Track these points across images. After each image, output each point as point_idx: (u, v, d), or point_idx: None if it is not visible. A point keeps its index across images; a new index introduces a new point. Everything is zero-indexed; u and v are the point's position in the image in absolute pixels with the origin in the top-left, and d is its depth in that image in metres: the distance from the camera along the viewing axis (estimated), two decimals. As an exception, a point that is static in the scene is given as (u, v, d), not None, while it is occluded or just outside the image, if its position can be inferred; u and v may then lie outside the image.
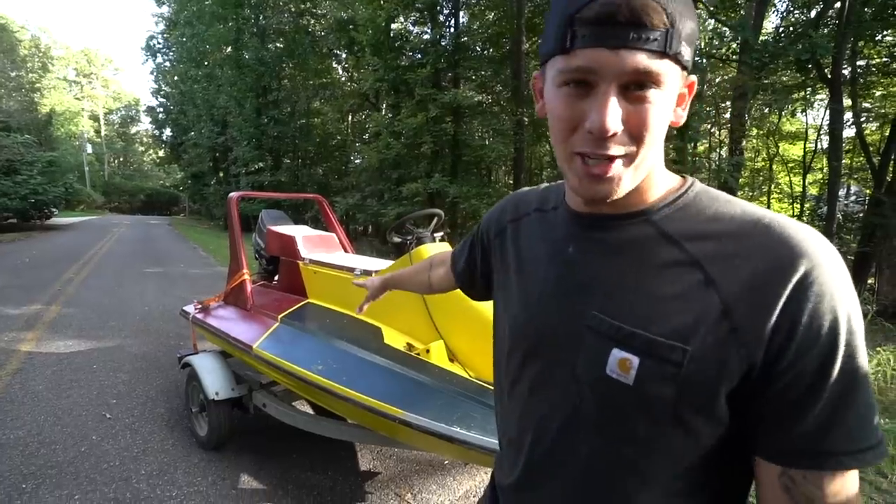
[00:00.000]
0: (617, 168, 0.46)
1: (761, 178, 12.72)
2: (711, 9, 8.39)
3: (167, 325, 4.80)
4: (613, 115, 0.43)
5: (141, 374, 3.50)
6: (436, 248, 1.95)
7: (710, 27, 9.53)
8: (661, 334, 0.45)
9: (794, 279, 0.42)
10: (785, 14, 9.07)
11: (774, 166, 11.87)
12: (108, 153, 49.62)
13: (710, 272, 0.45)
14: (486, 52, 12.18)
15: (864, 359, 0.43)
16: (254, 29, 17.56)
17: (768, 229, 0.45)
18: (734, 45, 8.18)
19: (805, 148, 10.99)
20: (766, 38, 8.16)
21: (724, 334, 0.43)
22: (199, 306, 2.86)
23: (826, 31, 6.84)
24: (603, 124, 0.43)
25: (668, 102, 0.46)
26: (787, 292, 0.42)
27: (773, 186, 12.39)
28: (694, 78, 0.50)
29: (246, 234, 3.23)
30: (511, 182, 12.79)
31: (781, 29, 8.42)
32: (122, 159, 54.01)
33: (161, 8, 27.82)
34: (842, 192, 9.09)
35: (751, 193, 13.50)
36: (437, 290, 0.99)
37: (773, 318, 0.42)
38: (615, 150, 0.45)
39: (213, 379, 2.37)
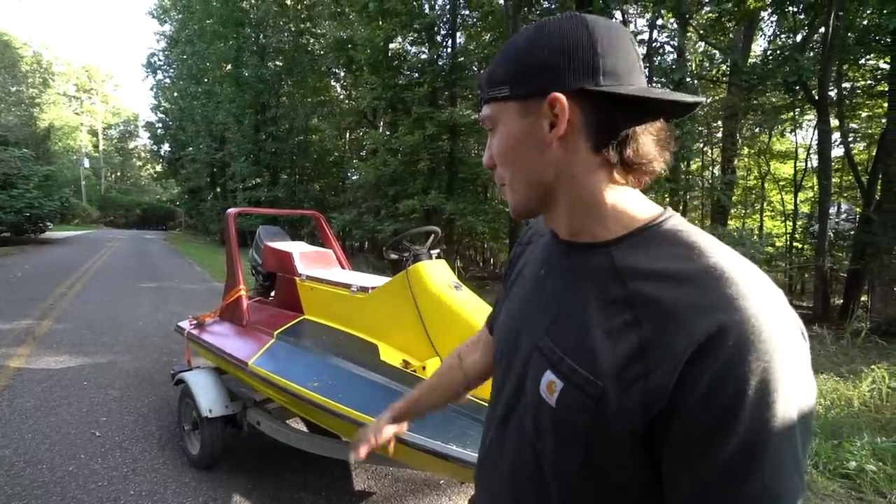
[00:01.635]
0: (508, 193, 0.58)
1: (754, 195, 12.91)
2: (701, 32, 8.64)
3: (161, 341, 4.75)
4: (485, 155, 0.59)
5: (133, 391, 3.46)
6: (432, 266, 1.97)
7: (701, 50, 9.80)
8: (582, 365, 0.46)
9: (708, 335, 0.39)
10: (772, 38, 9.36)
11: (766, 184, 12.06)
12: (106, 168, 49.70)
13: (639, 313, 0.44)
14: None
15: (777, 444, 0.38)
16: (254, 47, 17.86)
17: (710, 278, 0.42)
18: (724, 67, 8.41)
19: (796, 167, 11.20)
20: (754, 60, 8.39)
21: (635, 378, 0.42)
22: (195, 322, 2.84)
23: (812, 54, 7.06)
24: (483, 159, 0.60)
25: (506, 134, 0.53)
26: (694, 348, 0.39)
27: (765, 204, 12.57)
28: (554, 94, 0.48)
29: (243, 250, 3.23)
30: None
31: (769, 52, 8.67)
32: (119, 174, 54.08)
33: (163, 26, 28.36)
34: (833, 210, 9.23)
35: (744, 211, 13.67)
36: (479, 380, 0.84)
37: (678, 370, 0.40)
38: (499, 178, 0.58)
39: (207, 396, 2.35)
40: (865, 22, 7.11)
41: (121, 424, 2.92)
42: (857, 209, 8.62)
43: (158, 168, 40.44)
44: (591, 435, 0.46)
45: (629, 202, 0.51)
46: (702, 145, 11.99)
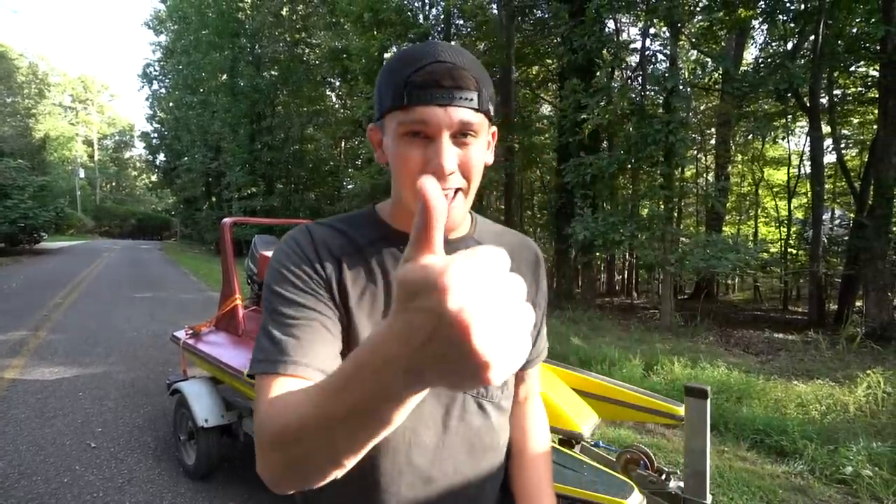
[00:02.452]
0: (458, 201, 0.57)
1: (748, 202, 13.01)
2: (693, 40, 8.78)
3: (156, 352, 4.72)
4: (450, 157, 0.53)
5: (128, 402, 3.43)
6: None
7: (693, 57, 9.94)
8: None
9: (540, 260, 0.75)
10: (763, 46, 9.51)
11: (760, 191, 12.17)
12: (101, 178, 49.60)
13: (513, 267, 0.54)
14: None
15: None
16: (249, 57, 17.98)
17: (519, 235, 0.76)
18: (716, 75, 8.53)
19: (789, 173, 11.31)
20: (746, 68, 8.51)
21: (532, 300, 0.68)
22: (190, 332, 2.84)
23: (803, 62, 7.17)
24: (441, 165, 0.52)
25: (483, 147, 0.58)
26: (540, 268, 0.74)
27: (759, 210, 12.67)
28: (495, 129, 0.63)
29: (238, 260, 3.24)
30: (503, 207, 12.95)
31: (761, 60, 8.80)
32: (114, 184, 53.97)
33: (159, 37, 28.50)
34: (826, 216, 9.32)
35: (738, 217, 13.78)
36: None
37: (540, 284, 0.74)
38: (452, 184, 0.55)
39: (203, 406, 2.34)
40: (854, 30, 7.24)
41: (116, 435, 2.90)
42: (851, 214, 8.71)
43: (154, 178, 40.42)
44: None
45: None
46: (695, 152, 12.11)
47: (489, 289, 0.25)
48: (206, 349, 2.54)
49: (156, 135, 32.05)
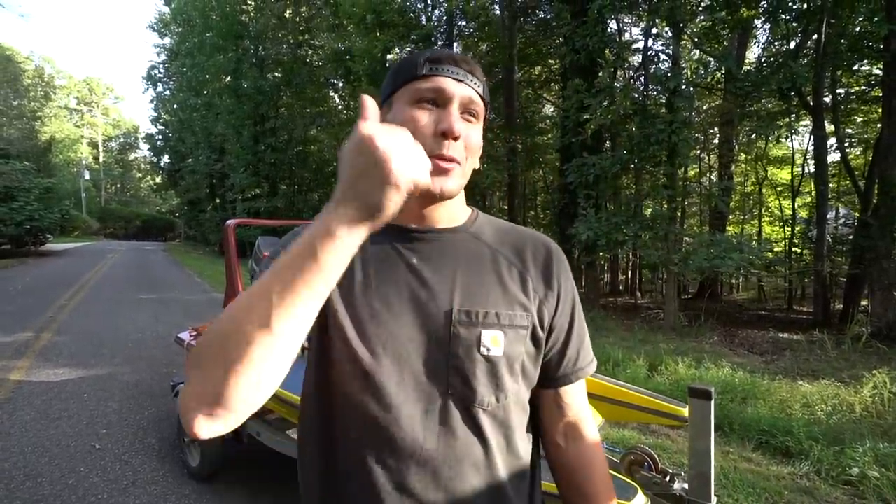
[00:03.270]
0: (456, 169, 0.59)
1: (751, 201, 12.95)
2: (696, 40, 8.75)
3: (160, 353, 4.74)
4: (459, 123, 0.58)
5: (132, 403, 3.45)
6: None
7: (696, 57, 9.91)
8: (512, 309, 0.62)
9: (554, 257, 0.67)
10: (766, 45, 9.46)
11: (764, 190, 12.10)
12: (106, 179, 49.89)
13: (517, 263, 0.65)
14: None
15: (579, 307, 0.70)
16: (253, 59, 18.03)
17: (531, 232, 0.70)
18: (719, 75, 8.50)
19: (793, 172, 11.25)
20: (748, 67, 8.48)
21: (541, 299, 0.64)
22: (195, 333, 2.85)
23: (806, 61, 7.13)
24: (453, 126, 0.57)
25: (481, 134, 0.63)
26: (555, 266, 0.67)
27: (763, 210, 12.60)
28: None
29: (242, 261, 3.25)
30: (506, 207, 12.94)
31: (763, 59, 8.76)
32: (119, 185, 54.26)
33: (163, 39, 28.65)
34: (831, 215, 9.26)
35: (742, 217, 13.71)
36: None
37: (555, 283, 0.66)
38: (455, 153, 0.58)
39: (207, 407, 2.35)
40: (858, 29, 7.20)
41: (121, 437, 2.92)
42: (855, 213, 8.65)
43: (158, 179, 40.61)
44: (526, 356, 0.63)
45: (464, 202, 0.69)
46: (699, 152, 12.06)
47: (388, 130, 0.43)
48: (210, 351, 2.55)
49: (160, 137, 32.21)
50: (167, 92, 29.80)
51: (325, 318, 0.58)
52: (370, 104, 0.45)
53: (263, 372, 0.42)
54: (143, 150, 48.28)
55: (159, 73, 29.80)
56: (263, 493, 2.34)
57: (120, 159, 53.80)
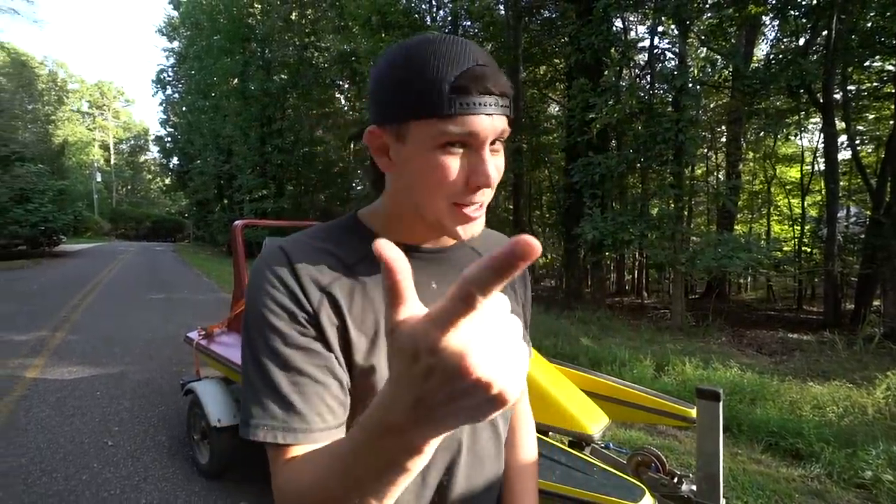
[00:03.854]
0: (482, 214, 0.54)
1: (760, 200, 12.81)
2: (703, 38, 8.68)
3: (170, 352, 4.80)
4: (493, 170, 0.50)
5: (143, 402, 3.50)
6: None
7: (703, 55, 9.82)
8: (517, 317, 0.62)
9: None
10: (775, 42, 9.35)
11: (772, 189, 11.97)
12: (117, 181, 50.56)
13: None
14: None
15: None
16: (260, 62, 18.19)
17: (500, 236, 0.72)
18: (726, 72, 8.42)
19: (802, 170, 11.11)
20: (757, 65, 8.39)
21: (522, 303, 0.70)
22: (203, 333, 2.88)
23: (815, 57, 7.05)
24: (489, 179, 0.49)
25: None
26: (526, 271, 0.59)
27: (771, 208, 12.46)
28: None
29: (250, 261, 3.28)
30: (511, 207, 12.92)
31: (772, 56, 8.66)
32: (129, 187, 54.95)
33: (172, 43, 28.98)
34: (842, 214, 9.13)
35: (750, 216, 13.57)
36: None
37: (527, 285, 0.72)
38: (486, 197, 0.53)
39: (216, 406, 2.38)
40: (869, 24, 7.10)
41: (132, 434, 2.97)
42: (867, 212, 8.53)
43: (167, 181, 41.02)
44: None
45: None
46: (706, 150, 11.96)
47: (477, 317, 0.25)
48: (219, 350, 2.59)
49: (169, 139, 32.57)
50: (176, 95, 30.16)
51: (351, 364, 0.52)
52: (396, 262, 0.27)
53: None
54: (153, 153, 48.92)
55: (168, 76, 30.17)
56: (271, 490, 2.36)
57: (130, 161, 54.48)
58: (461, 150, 0.49)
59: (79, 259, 16.56)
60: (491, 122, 0.48)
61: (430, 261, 0.60)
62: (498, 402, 0.25)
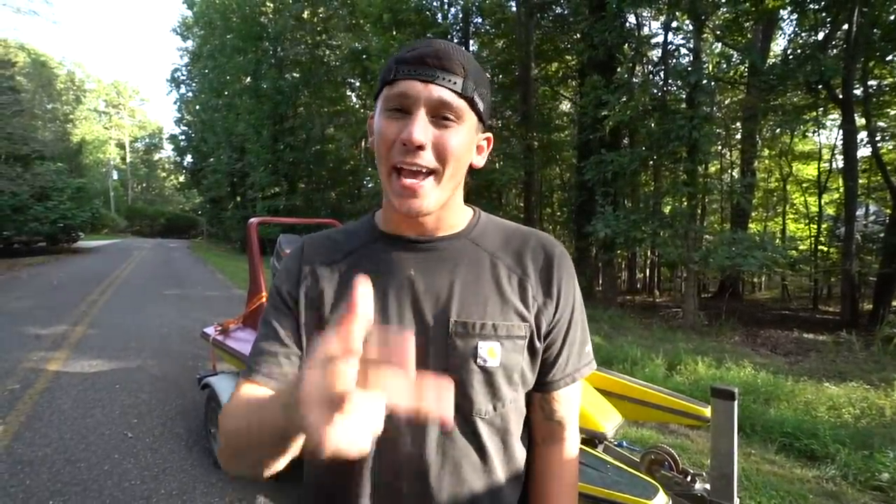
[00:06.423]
0: (427, 185, 0.55)
1: (775, 198, 12.60)
2: (718, 33, 8.54)
3: (186, 347, 4.89)
4: (421, 130, 0.53)
5: (161, 395, 3.58)
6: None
7: (718, 51, 9.68)
8: (509, 319, 0.60)
9: (555, 262, 0.64)
10: (792, 37, 9.17)
11: (788, 186, 11.76)
12: (133, 179, 51.45)
13: (517, 269, 0.63)
14: (495, 78, 12.52)
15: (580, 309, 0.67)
16: (272, 60, 18.34)
17: (535, 234, 0.67)
18: (742, 68, 8.28)
19: (819, 168, 10.89)
20: (774, 60, 8.24)
21: (539, 307, 0.62)
22: (219, 328, 2.94)
23: (835, 52, 6.90)
24: (411, 134, 0.52)
25: (467, 138, 0.57)
26: (556, 271, 0.63)
27: (787, 207, 12.25)
28: (490, 134, 0.65)
29: (264, 258, 3.33)
30: (521, 205, 12.88)
31: (789, 51, 8.50)
32: (144, 185, 55.86)
33: (186, 42, 29.34)
34: (860, 212, 8.94)
35: (765, 214, 13.34)
36: None
37: (554, 289, 0.63)
38: (424, 161, 0.54)
39: (233, 399, 2.43)
40: (892, 17, 6.92)
41: (151, 426, 3.04)
42: (887, 210, 8.34)
43: (181, 179, 41.69)
44: (525, 364, 0.62)
45: (462, 204, 0.67)
46: (720, 148, 11.78)
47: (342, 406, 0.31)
48: (235, 345, 2.64)
49: (183, 137, 33.05)
50: (190, 93, 30.58)
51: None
52: (361, 300, 0.33)
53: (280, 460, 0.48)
54: (168, 151, 49.70)
55: (182, 75, 30.57)
56: (286, 483, 2.40)
57: (146, 159, 55.38)
58: (400, 115, 0.55)
59: (96, 255, 16.91)
60: (424, 87, 0.53)
61: (417, 250, 0.62)
62: (318, 443, 0.32)
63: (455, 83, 0.54)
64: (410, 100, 0.54)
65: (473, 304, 0.60)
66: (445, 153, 0.55)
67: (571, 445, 0.69)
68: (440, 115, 0.54)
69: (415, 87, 0.53)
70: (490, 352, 0.59)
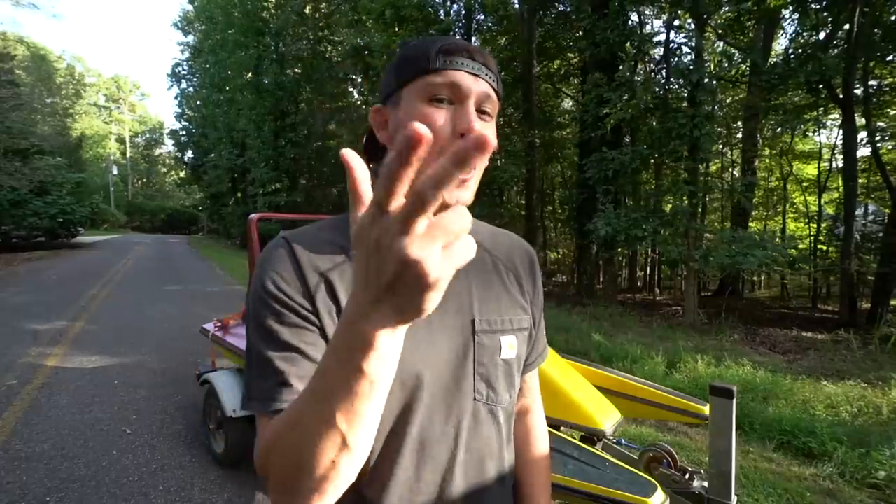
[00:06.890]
0: (473, 176, 0.55)
1: (775, 197, 12.59)
2: (720, 32, 8.51)
3: (185, 343, 4.89)
4: (477, 122, 0.53)
5: (160, 391, 3.58)
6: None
7: (720, 50, 9.64)
8: (518, 315, 0.65)
9: (535, 260, 0.72)
10: (794, 36, 9.13)
11: (788, 185, 11.75)
12: (133, 174, 51.34)
13: (510, 266, 0.68)
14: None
15: None
16: (273, 55, 18.27)
17: (513, 234, 0.73)
18: (744, 67, 8.26)
19: (819, 167, 10.88)
20: (775, 59, 8.21)
21: (531, 299, 0.69)
22: (219, 324, 2.94)
23: (836, 52, 6.87)
24: (472, 123, 0.52)
25: (495, 135, 0.56)
26: (535, 267, 0.71)
27: (787, 206, 12.24)
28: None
29: (265, 254, 3.32)
30: (523, 202, 12.86)
31: (791, 51, 8.47)
32: (145, 180, 55.76)
33: (187, 37, 29.25)
34: (859, 212, 8.93)
35: (765, 213, 13.34)
36: None
37: (536, 283, 0.70)
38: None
39: (231, 396, 2.43)
40: (893, 17, 6.89)
41: (149, 423, 3.04)
42: (885, 210, 8.33)
43: (182, 174, 41.60)
44: (526, 352, 0.68)
45: None
46: (721, 146, 11.76)
47: (437, 235, 0.28)
48: (234, 341, 2.63)
49: (184, 132, 32.96)
50: (191, 88, 30.49)
51: None
52: (357, 168, 0.31)
53: (350, 476, 0.40)
54: (168, 146, 49.54)
55: (183, 70, 30.48)
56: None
57: (146, 154, 55.27)
58: (446, 105, 0.53)
59: (96, 251, 16.89)
60: (474, 81, 0.54)
61: None
62: (427, 284, 0.28)
63: (493, 80, 0.56)
64: (463, 91, 0.53)
65: (491, 301, 0.63)
66: (490, 142, 0.53)
67: (540, 416, 0.77)
68: (482, 109, 0.55)
69: (466, 78, 0.53)
70: (510, 345, 0.63)
